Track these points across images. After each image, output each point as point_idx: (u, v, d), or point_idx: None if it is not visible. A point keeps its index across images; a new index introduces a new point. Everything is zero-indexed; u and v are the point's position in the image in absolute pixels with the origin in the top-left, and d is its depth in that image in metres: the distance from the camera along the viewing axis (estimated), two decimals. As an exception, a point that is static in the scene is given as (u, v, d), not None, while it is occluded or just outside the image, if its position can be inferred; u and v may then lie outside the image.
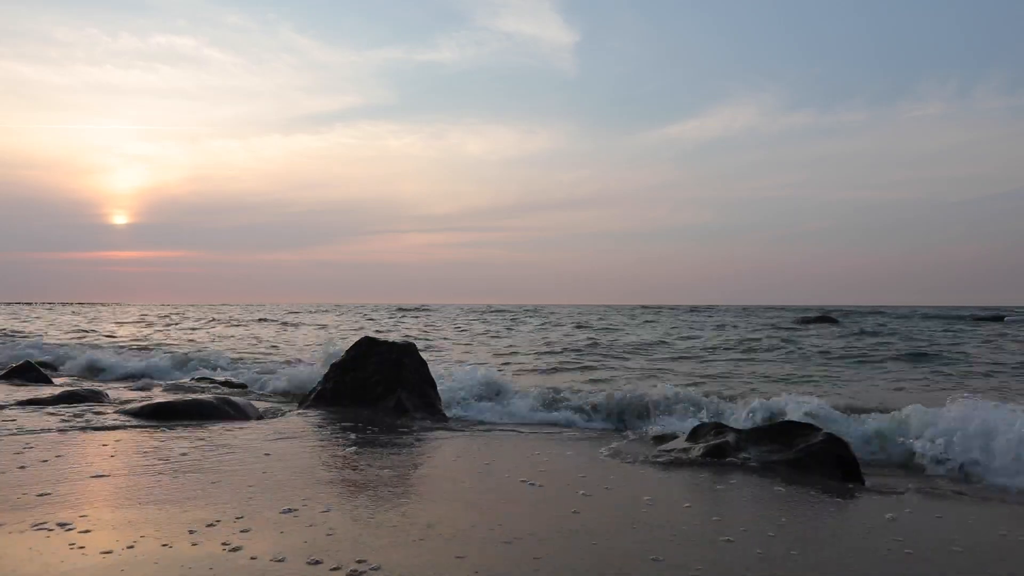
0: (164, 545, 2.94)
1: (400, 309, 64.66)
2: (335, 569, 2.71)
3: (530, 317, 42.25)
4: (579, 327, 28.71)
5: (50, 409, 6.89)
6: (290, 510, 3.52)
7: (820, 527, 3.52)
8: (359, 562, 2.79)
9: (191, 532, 3.12)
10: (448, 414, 7.43)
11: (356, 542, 3.05)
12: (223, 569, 2.69)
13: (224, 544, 2.97)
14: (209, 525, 3.23)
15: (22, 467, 4.39)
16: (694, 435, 5.53)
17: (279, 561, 2.79)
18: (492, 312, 54.47)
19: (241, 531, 3.16)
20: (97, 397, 7.52)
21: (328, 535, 3.13)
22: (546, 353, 16.09)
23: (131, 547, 2.91)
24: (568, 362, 13.96)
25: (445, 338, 22.36)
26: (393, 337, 9.56)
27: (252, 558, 2.81)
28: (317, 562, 2.78)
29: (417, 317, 44.29)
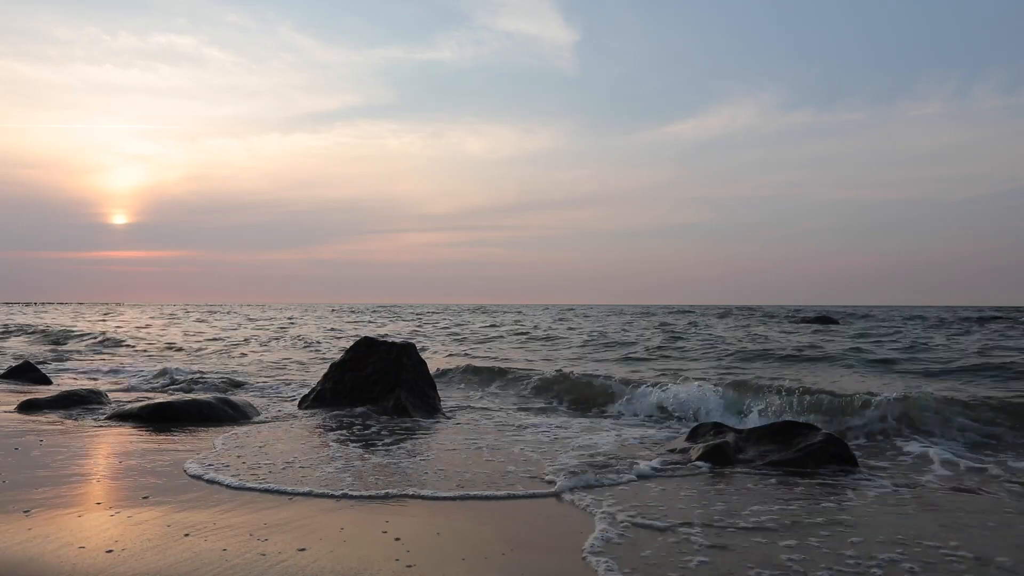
0: (164, 545, 2.94)
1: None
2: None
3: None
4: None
5: (49, 409, 6.89)
6: (296, 517, 3.52)
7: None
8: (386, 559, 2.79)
9: (191, 534, 3.12)
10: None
11: (363, 541, 3.06)
12: (222, 568, 2.70)
13: (223, 545, 2.98)
14: (209, 526, 3.23)
15: (20, 468, 4.39)
16: (693, 435, 5.54)
17: (280, 560, 2.79)
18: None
19: (239, 532, 3.16)
20: (97, 397, 7.52)
21: (341, 530, 3.13)
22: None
23: (132, 546, 2.92)
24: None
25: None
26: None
27: (256, 556, 2.82)
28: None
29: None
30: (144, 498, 3.70)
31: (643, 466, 4.69)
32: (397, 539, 3.10)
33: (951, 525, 3.45)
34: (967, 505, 3.87)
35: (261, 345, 18.73)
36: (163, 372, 10.47)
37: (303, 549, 2.93)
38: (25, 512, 3.39)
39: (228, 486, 4.01)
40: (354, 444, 5.54)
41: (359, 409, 7.20)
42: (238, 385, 9.78)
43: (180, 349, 17.10)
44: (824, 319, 33.02)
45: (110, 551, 2.86)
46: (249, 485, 4.03)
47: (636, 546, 3.06)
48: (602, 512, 3.58)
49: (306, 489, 3.96)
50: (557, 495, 3.99)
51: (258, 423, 6.55)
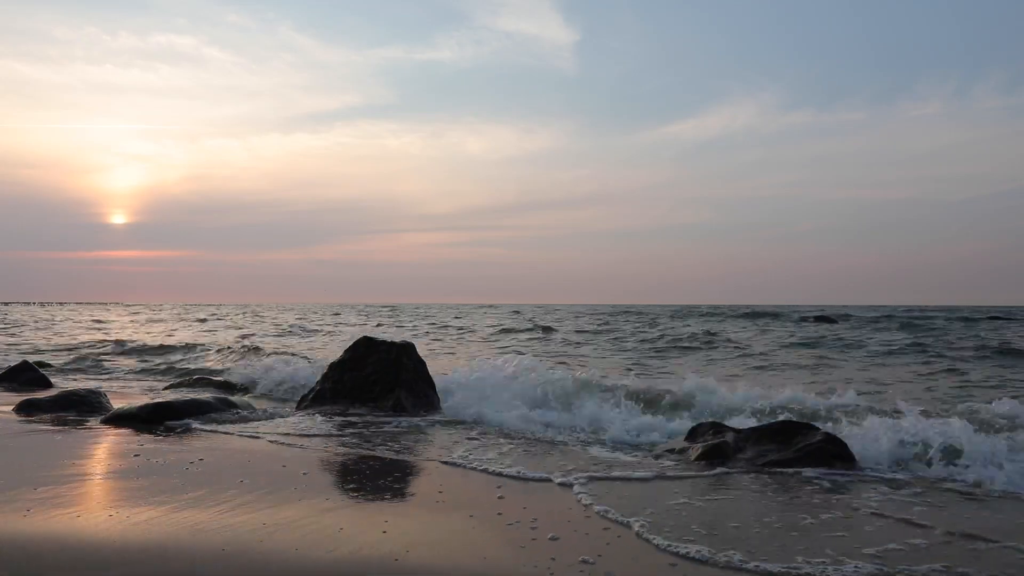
0: (164, 545, 2.94)
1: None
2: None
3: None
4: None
5: (48, 410, 6.87)
6: (305, 514, 3.52)
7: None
8: (395, 560, 2.79)
9: (191, 533, 3.12)
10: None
11: (363, 541, 3.06)
12: (222, 568, 2.69)
13: (222, 546, 2.97)
14: (209, 526, 3.23)
15: (19, 468, 4.39)
16: (692, 435, 5.54)
17: (280, 560, 2.79)
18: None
19: (239, 532, 3.16)
20: (96, 398, 7.49)
21: (340, 530, 3.13)
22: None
23: (131, 546, 2.91)
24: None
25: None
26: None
27: (255, 556, 2.81)
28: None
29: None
30: (144, 498, 3.70)
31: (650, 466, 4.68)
32: (397, 538, 3.10)
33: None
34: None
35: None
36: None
37: (302, 549, 2.93)
38: (25, 512, 3.38)
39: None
40: (351, 444, 5.53)
41: (358, 409, 7.20)
42: (237, 384, 9.77)
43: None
44: (825, 319, 33.04)
45: (110, 551, 2.85)
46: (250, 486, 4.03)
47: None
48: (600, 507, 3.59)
49: (305, 490, 3.96)
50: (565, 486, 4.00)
51: (257, 423, 6.54)
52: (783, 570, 2.80)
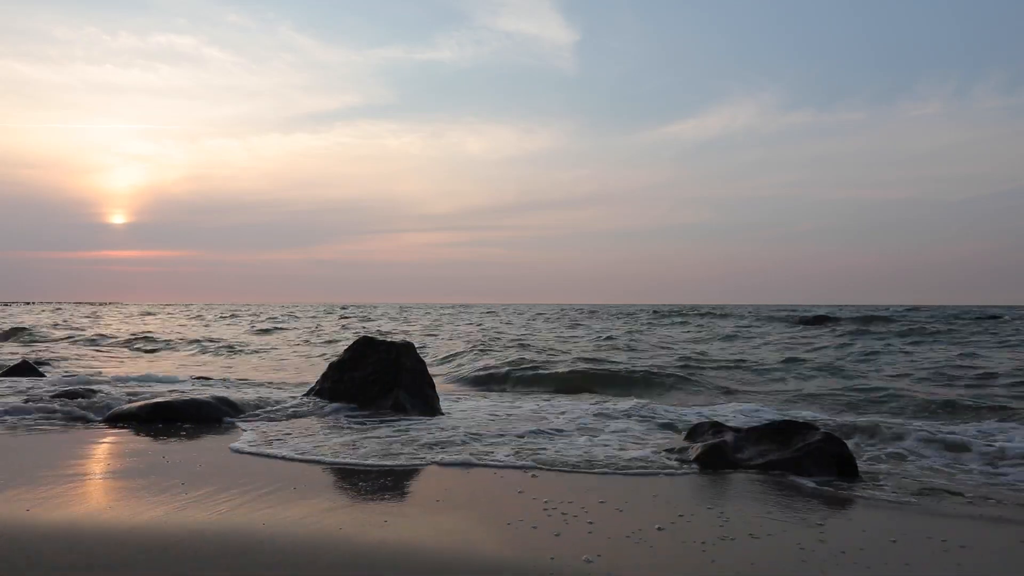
0: (165, 545, 2.95)
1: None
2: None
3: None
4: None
5: (48, 409, 6.86)
6: (305, 514, 3.53)
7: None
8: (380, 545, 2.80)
9: (191, 534, 3.12)
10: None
11: (362, 540, 3.06)
12: (223, 569, 2.70)
13: (223, 546, 2.98)
14: (209, 527, 3.24)
15: (19, 468, 4.39)
16: (692, 434, 5.55)
17: (281, 560, 2.79)
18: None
19: (241, 533, 3.16)
20: (95, 397, 7.50)
21: (340, 529, 3.14)
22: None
23: (133, 546, 2.92)
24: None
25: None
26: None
27: (256, 556, 2.82)
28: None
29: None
30: (144, 498, 3.70)
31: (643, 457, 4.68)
32: (397, 538, 3.11)
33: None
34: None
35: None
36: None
37: (302, 549, 2.94)
38: (25, 512, 3.39)
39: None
40: (351, 444, 5.54)
41: (357, 409, 7.20)
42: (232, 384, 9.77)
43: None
44: (821, 319, 33.03)
45: (110, 551, 2.86)
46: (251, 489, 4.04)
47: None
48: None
49: (305, 490, 3.97)
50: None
51: (256, 423, 6.54)
52: None
